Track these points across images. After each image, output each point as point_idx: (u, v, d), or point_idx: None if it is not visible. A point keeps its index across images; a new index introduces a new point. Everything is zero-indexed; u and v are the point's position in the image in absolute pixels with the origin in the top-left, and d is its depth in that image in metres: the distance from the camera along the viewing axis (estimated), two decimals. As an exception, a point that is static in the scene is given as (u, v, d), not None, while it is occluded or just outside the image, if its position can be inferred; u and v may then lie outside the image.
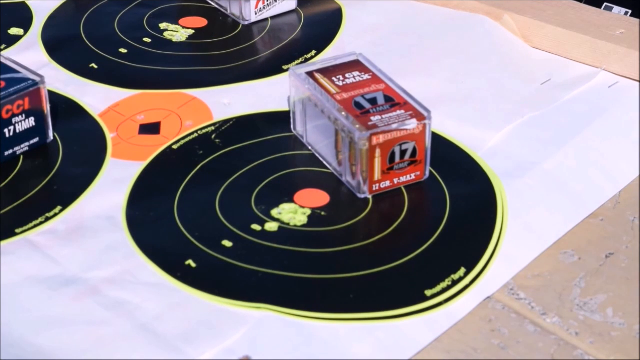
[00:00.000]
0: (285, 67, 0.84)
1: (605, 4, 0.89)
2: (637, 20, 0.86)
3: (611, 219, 0.73)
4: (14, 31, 0.91)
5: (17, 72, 0.77)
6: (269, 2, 0.91)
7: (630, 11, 0.88)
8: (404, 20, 0.91)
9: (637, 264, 0.70)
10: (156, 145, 0.78)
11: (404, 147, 0.71)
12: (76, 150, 0.78)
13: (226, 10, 0.93)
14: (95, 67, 0.87)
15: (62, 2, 0.95)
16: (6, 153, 0.76)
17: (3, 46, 0.88)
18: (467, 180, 0.74)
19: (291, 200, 0.73)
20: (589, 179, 0.76)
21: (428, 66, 0.84)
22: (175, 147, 0.78)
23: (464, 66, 0.85)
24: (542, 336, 0.65)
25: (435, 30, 0.89)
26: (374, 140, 0.70)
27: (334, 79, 0.75)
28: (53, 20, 0.92)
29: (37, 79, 0.76)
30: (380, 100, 0.73)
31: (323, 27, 0.91)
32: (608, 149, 0.78)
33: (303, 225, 0.71)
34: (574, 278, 0.69)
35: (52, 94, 0.78)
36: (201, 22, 0.92)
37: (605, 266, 0.70)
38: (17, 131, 0.75)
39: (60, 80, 0.85)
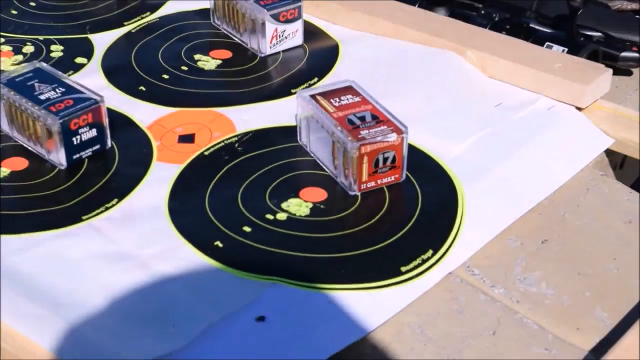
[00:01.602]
0: (293, 91, 0.85)
1: (546, 43, 0.90)
2: (571, 56, 0.88)
3: (546, 213, 0.76)
4: (79, 60, 0.92)
5: (82, 92, 0.78)
6: (280, 38, 0.92)
7: (566, 49, 0.90)
8: (388, 54, 0.92)
9: (565, 248, 0.73)
10: (191, 152, 0.80)
11: (385, 155, 0.74)
12: (129, 155, 0.80)
13: (247, 45, 0.94)
14: (144, 89, 0.88)
15: (117, 37, 0.96)
16: (74, 157, 0.77)
17: (70, 72, 0.90)
18: (435, 182, 0.76)
19: (297, 196, 0.75)
20: (530, 181, 0.78)
21: (406, 91, 0.85)
22: (206, 153, 0.79)
23: (434, 91, 0.87)
24: (490, 303, 0.68)
25: (412, 62, 0.90)
26: (362, 150, 0.73)
27: (331, 100, 0.77)
28: (110, 52, 0.93)
29: (98, 98, 0.78)
30: (368, 118, 0.75)
31: (323, 59, 0.92)
32: (546, 158, 0.80)
33: (306, 216, 0.73)
34: (516, 259, 0.72)
35: (109, 110, 0.80)
36: (227, 54, 0.93)
37: (540, 250, 0.73)
38: (82, 140, 0.77)
39: (116, 100, 0.86)
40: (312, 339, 0.63)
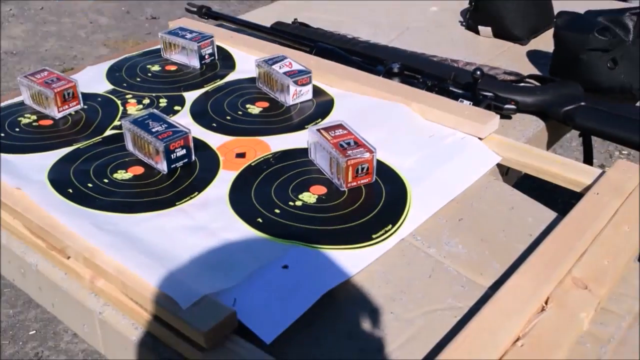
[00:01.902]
0: (306, 127, 0.84)
1: (460, 99, 0.89)
2: (474, 107, 0.87)
3: (461, 202, 0.74)
4: (176, 108, 0.91)
5: (177, 127, 0.77)
6: (298, 95, 0.91)
7: (471, 103, 0.88)
8: (363, 105, 0.90)
9: (473, 224, 0.71)
10: (243, 164, 0.78)
11: (362, 166, 0.72)
12: (205, 165, 0.78)
13: (278, 99, 0.93)
14: (215, 125, 0.86)
15: (199, 94, 0.96)
16: (172, 166, 0.76)
17: (171, 115, 0.89)
18: (393, 183, 0.74)
19: (308, 191, 0.73)
20: (451, 182, 0.76)
21: (374, 127, 0.83)
22: (252, 164, 0.78)
23: (392, 127, 0.85)
24: (427, 258, 0.66)
25: (378, 110, 0.89)
26: (348, 163, 0.72)
27: (329, 132, 0.76)
28: (195, 103, 0.93)
29: (187, 130, 0.77)
30: (352, 144, 0.74)
31: (324, 107, 0.90)
32: (460, 168, 0.78)
33: (313, 203, 0.71)
34: (443, 230, 0.70)
35: (194, 138, 0.79)
36: (265, 104, 0.92)
37: (458, 225, 0.71)
38: (177, 156, 0.76)
39: (198, 131, 0.85)
40: (318, 279, 0.61)
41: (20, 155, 0.81)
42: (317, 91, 0.94)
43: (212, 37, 1.05)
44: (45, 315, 1.72)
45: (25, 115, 0.91)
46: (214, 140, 0.83)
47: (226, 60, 1.06)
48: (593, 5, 1.03)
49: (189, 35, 1.04)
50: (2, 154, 0.80)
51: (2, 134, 0.85)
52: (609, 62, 0.93)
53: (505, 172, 0.83)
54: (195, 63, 1.03)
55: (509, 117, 0.91)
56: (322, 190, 0.73)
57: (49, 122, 0.89)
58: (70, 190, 0.73)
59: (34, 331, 1.71)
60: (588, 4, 1.14)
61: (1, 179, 0.74)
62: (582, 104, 0.89)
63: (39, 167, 0.78)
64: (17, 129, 0.87)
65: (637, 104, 0.97)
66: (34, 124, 0.89)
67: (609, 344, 0.56)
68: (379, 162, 0.76)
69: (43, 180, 0.75)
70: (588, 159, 0.94)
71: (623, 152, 2.29)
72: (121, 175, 0.76)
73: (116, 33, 3.41)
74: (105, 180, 0.75)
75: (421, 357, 0.55)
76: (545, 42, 1.15)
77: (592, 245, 0.64)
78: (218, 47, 1.07)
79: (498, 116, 0.84)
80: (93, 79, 1.00)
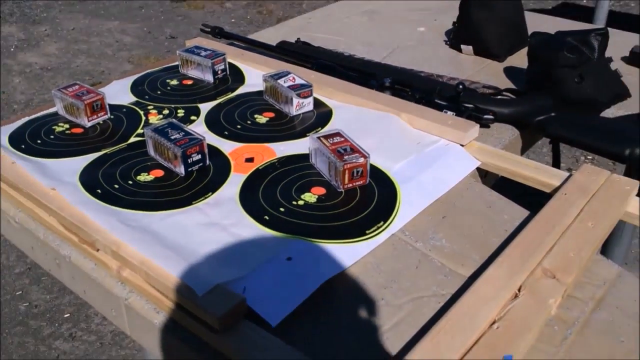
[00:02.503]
0: (307, 134, 0.84)
1: (444, 110, 0.89)
2: (457, 117, 0.87)
3: (444, 201, 0.74)
4: (192, 118, 0.90)
5: (193, 135, 0.77)
6: (301, 106, 0.91)
7: (454, 113, 0.88)
8: (358, 115, 0.89)
9: (455, 221, 0.71)
10: (251, 167, 0.77)
11: (357, 169, 0.72)
12: (217, 169, 0.78)
13: (282, 110, 0.92)
14: (227, 133, 0.86)
15: (212, 105, 0.95)
16: (188, 169, 0.76)
17: (187, 124, 0.88)
18: (384, 184, 0.74)
19: (309, 191, 0.73)
20: (436, 183, 0.76)
21: (368, 135, 0.83)
22: (260, 168, 0.77)
23: (383, 135, 0.84)
24: (415, 251, 0.66)
25: (372, 120, 0.88)
26: (345, 167, 0.71)
27: (328, 139, 0.76)
28: (209, 114, 0.92)
29: (202, 138, 0.76)
30: (348, 150, 0.74)
31: (323, 117, 0.90)
32: (444, 171, 0.78)
33: (314, 202, 0.71)
34: (429, 226, 0.70)
35: (208, 145, 0.79)
36: (272, 114, 0.91)
37: (442, 222, 0.71)
38: (193, 160, 0.76)
39: (212, 139, 0.84)
40: (318, 269, 0.61)
41: (54, 160, 0.81)
42: (317, 103, 0.94)
43: (224, 54, 1.05)
44: (78, 300, 1.73)
45: (59, 124, 0.91)
46: (226, 146, 0.83)
47: (236, 75, 1.06)
48: (563, 27, 1.04)
49: (203, 53, 1.04)
50: (39, 159, 0.81)
51: (39, 141, 0.86)
52: (576, 78, 0.93)
53: (484, 175, 0.83)
54: (209, 78, 1.03)
55: (488, 126, 0.91)
56: (321, 191, 0.73)
57: (79, 130, 0.89)
58: (99, 191, 0.74)
59: (68, 314, 1.71)
60: (558, 25, 1.15)
61: (38, 181, 0.74)
62: (553, 114, 0.89)
63: (71, 170, 0.78)
64: (52, 136, 0.87)
65: (602, 115, 0.97)
66: (66, 132, 0.89)
67: (574, 327, 0.56)
68: (372, 166, 0.76)
69: (75, 182, 0.75)
70: (557, 164, 0.94)
71: (588, 157, 2.29)
72: (144, 177, 0.77)
73: (139, 51, 3.41)
74: (130, 182, 0.76)
75: (409, 338, 0.55)
76: (520, 59, 1.15)
77: (560, 239, 0.65)
78: (229, 63, 1.07)
79: (478, 125, 0.84)
80: (119, 92, 1.01)
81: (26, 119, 0.92)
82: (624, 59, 1.15)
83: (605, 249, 1.31)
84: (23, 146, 0.84)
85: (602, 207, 0.69)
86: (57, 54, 3.34)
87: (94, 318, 1.69)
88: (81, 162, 0.80)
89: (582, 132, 0.86)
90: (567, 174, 0.77)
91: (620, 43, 1.17)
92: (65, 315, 1.70)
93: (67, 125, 0.90)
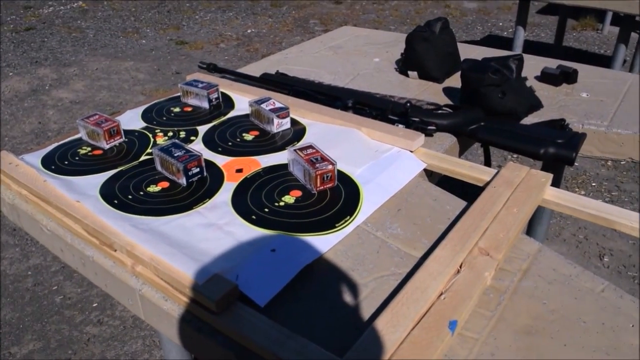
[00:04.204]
0: (286, 148, 0.82)
1: (396, 123, 0.88)
2: (406, 129, 0.86)
3: (399, 197, 0.73)
4: (192, 138, 0.88)
5: (192, 152, 0.76)
6: (280, 125, 0.89)
7: (404, 125, 0.88)
8: (325, 131, 0.88)
9: (408, 213, 0.70)
10: (241, 177, 0.76)
11: (327, 175, 0.71)
12: (213, 179, 0.76)
13: (265, 128, 0.91)
14: (220, 149, 0.84)
15: (208, 127, 0.92)
16: (189, 180, 0.74)
17: (188, 143, 0.86)
18: (349, 185, 0.73)
19: (288, 194, 0.72)
20: (391, 183, 0.75)
21: (335, 147, 0.81)
22: (248, 177, 0.76)
23: (347, 145, 0.83)
24: (375, 239, 0.65)
25: (338, 134, 0.87)
26: (317, 173, 0.71)
27: (302, 151, 0.74)
28: (206, 134, 0.90)
29: (199, 154, 0.75)
30: (319, 159, 0.73)
31: (298, 133, 0.88)
32: (397, 173, 0.77)
33: (293, 203, 0.70)
34: (386, 218, 0.69)
35: (205, 160, 0.77)
36: (257, 133, 0.89)
37: (397, 214, 0.70)
38: (193, 173, 0.74)
39: (208, 154, 0.82)
40: (297, 258, 0.60)
41: (79, 177, 0.79)
42: (293, 122, 0.92)
43: (217, 85, 1.03)
44: (104, 292, 1.69)
45: (83, 147, 0.88)
46: (220, 160, 0.81)
47: (227, 102, 1.04)
48: (488, 54, 1.05)
49: (200, 85, 1.03)
50: (66, 177, 0.78)
51: (66, 162, 0.83)
52: (499, 94, 0.94)
53: (429, 174, 0.82)
54: (205, 105, 1.01)
55: (431, 135, 0.91)
56: (298, 193, 0.72)
57: (99, 152, 0.87)
58: (116, 201, 0.72)
59: (96, 304, 1.68)
60: (484, 53, 1.15)
61: (65, 195, 0.72)
62: (482, 124, 0.89)
63: (92, 185, 0.76)
64: (77, 158, 0.85)
65: (521, 122, 0.97)
66: (88, 154, 0.87)
67: (505, 294, 0.56)
68: (339, 171, 0.76)
69: (96, 195, 0.73)
70: (488, 163, 0.94)
71: (514, 156, 2.31)
72: (152, 188, 0.75)
73: (150, 85, 3.36)
74: (141, 193, 0.74)
75: (374, 310, 0.54)
76: (455, 80, 1.16)
77: (492, 223, 0.64)
78: (222, 92, 1.06)
79: (423, 135, 0.84)
80: (131, 119, 0.98)
81: (55, 144, 0.90)
82: (536, 77, 1.16)
83: (529, 229, 1.32)
84: (53, 167, 0.82)
85: (524, 196, 0.70)
86: (83, 90, 3.28)
87: (117, 306, 1.65)
88: (101, 178, 0.78)
89: (506, 137, 0.86)
90: (495, 170, 0.77)
91: (533, 65, 1.18)
92: (94, 305, 1.66)
93: (89, 148, 0.88)
